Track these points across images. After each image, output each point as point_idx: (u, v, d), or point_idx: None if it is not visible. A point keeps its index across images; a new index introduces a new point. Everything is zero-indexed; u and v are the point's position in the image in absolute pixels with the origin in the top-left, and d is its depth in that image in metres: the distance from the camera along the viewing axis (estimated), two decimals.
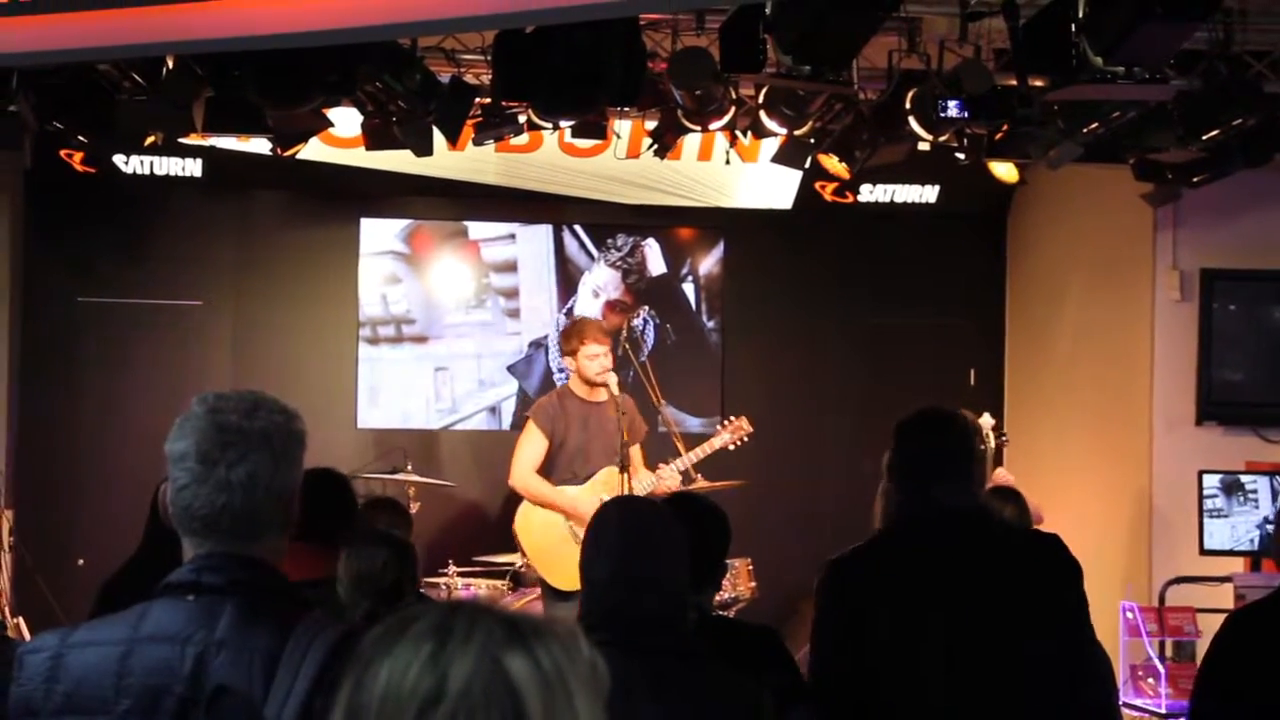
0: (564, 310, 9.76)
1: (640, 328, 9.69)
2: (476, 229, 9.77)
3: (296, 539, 2.57)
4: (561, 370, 9.66)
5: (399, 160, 7.95)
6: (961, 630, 3.72)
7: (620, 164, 8.54)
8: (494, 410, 9.77)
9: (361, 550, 4.09)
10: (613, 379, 7.81)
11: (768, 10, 5.80)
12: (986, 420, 7.42)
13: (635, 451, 7.98)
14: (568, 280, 9.81)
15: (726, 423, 8.08)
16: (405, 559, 4.19)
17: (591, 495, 7.67)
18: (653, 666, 3.03)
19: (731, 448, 7.99)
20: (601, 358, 7.82)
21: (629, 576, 3.11)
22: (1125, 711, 6.60)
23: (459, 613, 1.50)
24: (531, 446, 7.93)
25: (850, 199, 9.45)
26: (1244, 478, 7.58)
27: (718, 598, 5.77)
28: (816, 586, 3.84)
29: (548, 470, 7.90)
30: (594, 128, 7.40)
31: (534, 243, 9.82)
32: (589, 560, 3.20)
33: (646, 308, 9.83)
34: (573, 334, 8.02)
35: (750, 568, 7.76)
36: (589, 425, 7.87)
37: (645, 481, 7.79)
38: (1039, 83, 6.22)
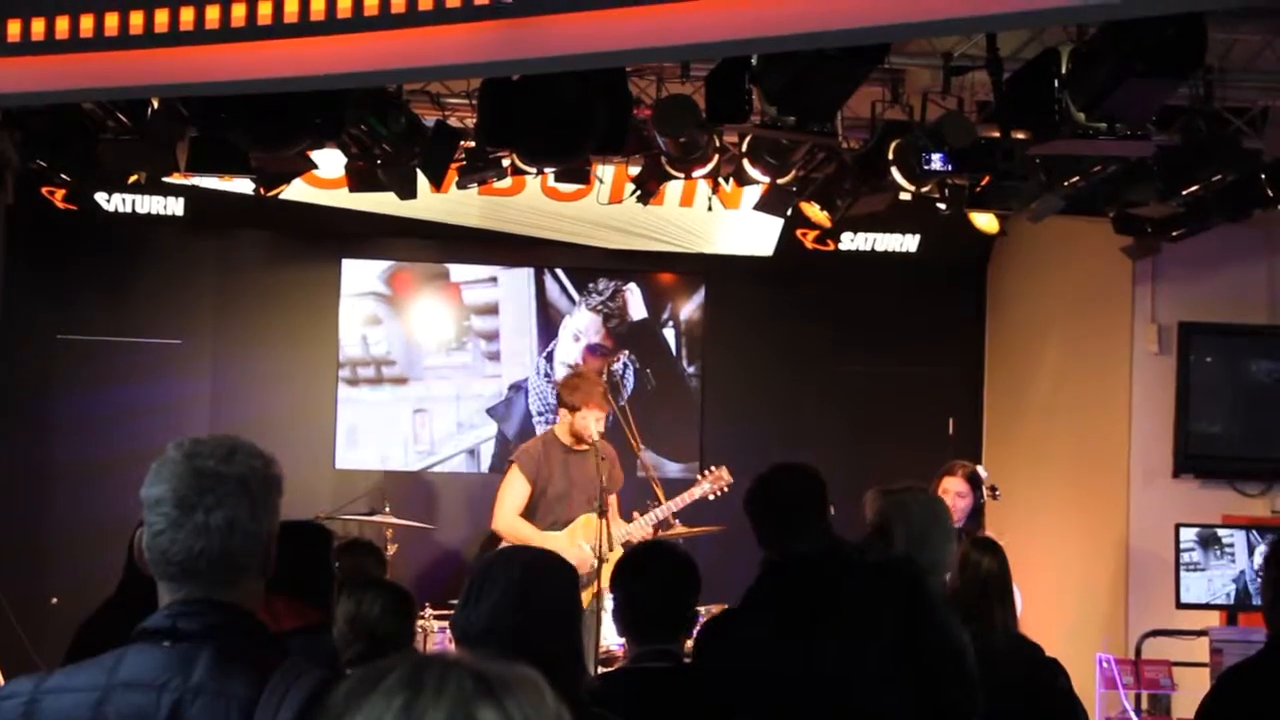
0: (544, 354, 9.76)
1: (620, 372, 9.68)
2: (458, 271, 9.77)
3: (277, 590, 2.55)
4: (541, 415, 9.64)
5: (381, 202, 7.95)
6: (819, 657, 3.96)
7: (603, 209, 8.55)
8: (473, 452, 9.75)
9: (359, 593, 4.06)
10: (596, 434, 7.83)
11: (754, 61, 5.82)
12: (981, 472, 7.43)
13: (612, 500, 7.97)
14: (549, 324, 9.81)
15: (707, 472, 8.06)
16: (403, 607, 4.16)
17: (570, 543, 7.66)
18: None
19: (711, 497, 7.97)
20: (600, 422, 7.82)
21: (512, 622, 3.07)
22: None
23: (429, 666, 1.50)
24: (515, 491, 7.92)
25: (831, 247, 9.48)
26: (1221, 531, 7.58)
27: (689, 644, 5.74)
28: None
29: (529, 515, 7.90)
30: (577, 173, 7.42)
31: (515, 286, 9.82)
32: (466, 608, 3.12)
33: (627, 352, 9.83)
34: (578, 392, 7.91)
35: None
36: (570, 472, 7.88)
37: (619, 531, 7.76)
38: (1021, 136, 6.25)
